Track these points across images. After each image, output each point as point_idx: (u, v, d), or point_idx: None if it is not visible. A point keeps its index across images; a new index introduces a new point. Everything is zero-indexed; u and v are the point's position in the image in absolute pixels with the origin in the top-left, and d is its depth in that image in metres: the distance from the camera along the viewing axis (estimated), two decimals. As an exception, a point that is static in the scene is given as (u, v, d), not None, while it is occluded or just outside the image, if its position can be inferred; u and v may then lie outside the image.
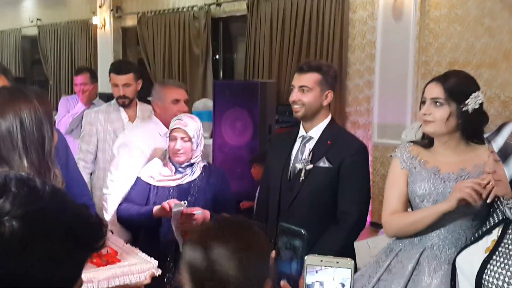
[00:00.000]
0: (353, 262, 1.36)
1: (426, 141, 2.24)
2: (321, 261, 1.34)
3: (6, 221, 0.78)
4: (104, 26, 8.83)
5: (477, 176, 2.08)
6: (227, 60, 7.79)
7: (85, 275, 1.68)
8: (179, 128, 2.70)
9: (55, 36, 10.05)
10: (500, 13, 4.61)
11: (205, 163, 2.88)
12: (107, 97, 6.34)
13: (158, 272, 1.95)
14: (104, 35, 8.90)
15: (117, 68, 3.53)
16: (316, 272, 1.34)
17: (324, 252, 1.56)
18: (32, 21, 10.52)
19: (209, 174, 2.83)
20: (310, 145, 2.59)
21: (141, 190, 2.78)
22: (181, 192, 2.73)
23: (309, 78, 2.54)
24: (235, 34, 7.66)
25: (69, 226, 0.83)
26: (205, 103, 6.43)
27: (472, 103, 2.07)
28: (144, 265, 1.90)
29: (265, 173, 2.85)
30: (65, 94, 7.93)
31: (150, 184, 2.77)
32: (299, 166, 2.56)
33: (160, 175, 2.78)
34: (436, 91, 2.11)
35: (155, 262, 1.94)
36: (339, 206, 2.52)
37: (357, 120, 5.69)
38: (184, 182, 2.76)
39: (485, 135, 1.84)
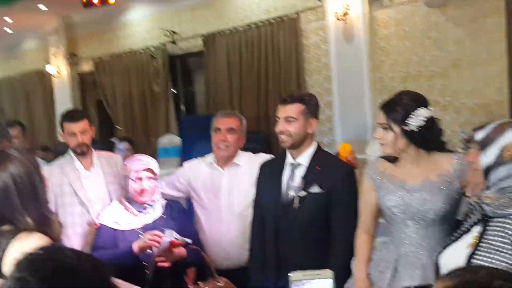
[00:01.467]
0: (332, 272, 1.46)
1: (392, 157, 2.38)
2: (304, 275, 1.44)
3: None
4: (60, 73, 8.81)
5: (441, 185, 2.23)
6: (187, 94, 7.87)
7: None
8: (148, 168, 2.75)
9: (11, 89, 9.96)
10: (445, 25, 4.87)
11: (165, 201, 2.91)
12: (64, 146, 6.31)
13: None
14: (61, 83, 8.86)
15: (71, 116, 3.40)
16: (303, 284, 1.44)
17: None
18: (-15, 76, 10.40)
19: (170, 211, 2.86)
20: (300, 172, 2.66)
21: (108, 237, 2.75)
22: (149, 231, 2.71)
23: (293, 109, 2.63)
24: (194, 68, 7.75)
25: None
26: (171, 139, 6.48)
27: (414, 121, 2.20)
28: None
29: (256, 202, 2.87)
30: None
31: (116, 230, 2.75)
32: (292, 193, 2.62)
33: (124, 220, 2.77)
34: (380, 117, 2.29)
35: None
36: (332, 231, 2.59)
37: (322, 140, 5.80)
38: (150, 221, 2.77)
39: (474, 128, 1.98)
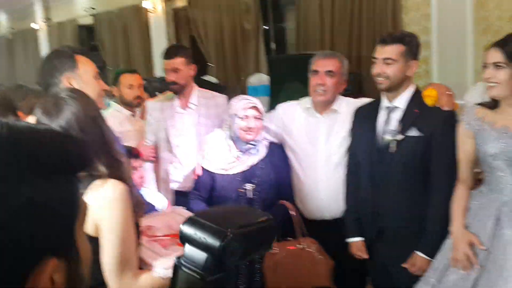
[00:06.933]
0: None
1: (492, 103, 2.30)
2: None
3: None
4: (156, 9, 8.96)
5: None
6: (278, 31, 7.74)
7: None
8: (254, 107, 2.72)
9: (109, 24, 10.30)
10: None
11: (269, 141, 2.88)
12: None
13: None
14: (156, 18, 9.03)
15: (165, 52, 3.40)
16: None
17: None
18: (86, 10, 10.79)
19: (271, 154, 2.82)
20: (396, 115, 2.55)
21: (207, 180, 2.80)
22: (246, 175, 2.74)
23: (393, 50, 2.48)
24: (285, 3, 7.58)
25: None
26: (260, 78, 6.46)
27: None
28: None
29: (351, 147, 2.78)
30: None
31: (215, 173, 2.78)
32: (388, 137, 2.52)
33: (228, 164, 2.77)
34: (496, 55, 2.17)
35: None
36: (431, 179, 2.48)
37: (416, 83, 5.56)
38: (255, 162, 2.76)
39: None
